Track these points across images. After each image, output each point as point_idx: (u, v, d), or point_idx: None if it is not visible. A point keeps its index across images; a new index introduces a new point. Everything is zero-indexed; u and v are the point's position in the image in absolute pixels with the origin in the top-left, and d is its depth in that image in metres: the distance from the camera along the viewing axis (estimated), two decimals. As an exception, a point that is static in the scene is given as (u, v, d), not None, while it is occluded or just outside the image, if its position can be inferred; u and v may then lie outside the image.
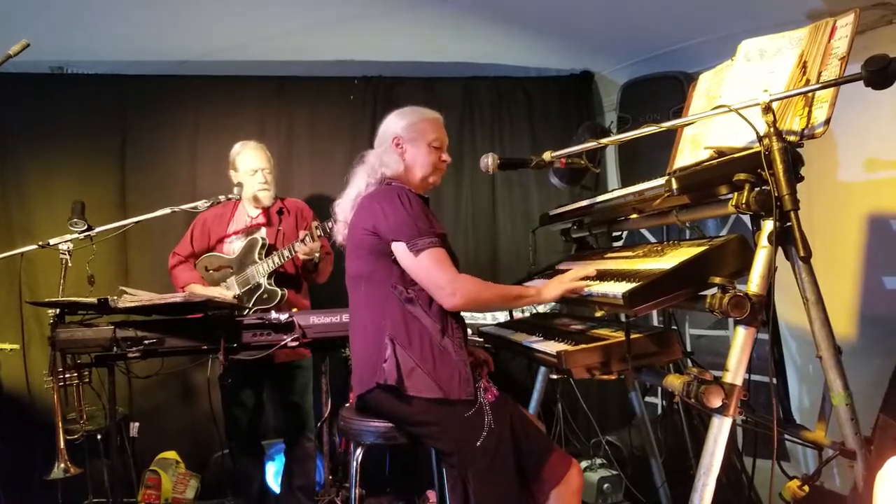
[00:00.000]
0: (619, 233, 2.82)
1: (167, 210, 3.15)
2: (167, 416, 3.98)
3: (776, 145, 1.81)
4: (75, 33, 3.60)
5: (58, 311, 2.67)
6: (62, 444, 2.74)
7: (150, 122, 4.10)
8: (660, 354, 2.01)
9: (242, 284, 3.26)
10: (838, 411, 1.87)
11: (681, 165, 2.34)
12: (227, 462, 3.57)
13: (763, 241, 1.84)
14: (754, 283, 1.82)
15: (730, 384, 1.80)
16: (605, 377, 1.98)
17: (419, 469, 3.54)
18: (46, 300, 2.77)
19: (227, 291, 3.22)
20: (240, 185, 3.27)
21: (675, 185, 1.90)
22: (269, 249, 3.30)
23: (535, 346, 2.23)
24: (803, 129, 1.93)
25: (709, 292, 1.88)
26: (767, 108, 1.83)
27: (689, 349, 3.75)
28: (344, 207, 2.37)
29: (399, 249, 2.12)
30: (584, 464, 3.42)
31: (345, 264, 2.31)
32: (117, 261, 3.97)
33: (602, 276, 2.21)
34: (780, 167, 1.80)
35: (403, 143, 2.33)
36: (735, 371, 1.82)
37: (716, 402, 1.79)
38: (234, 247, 3.36)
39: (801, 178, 1.89)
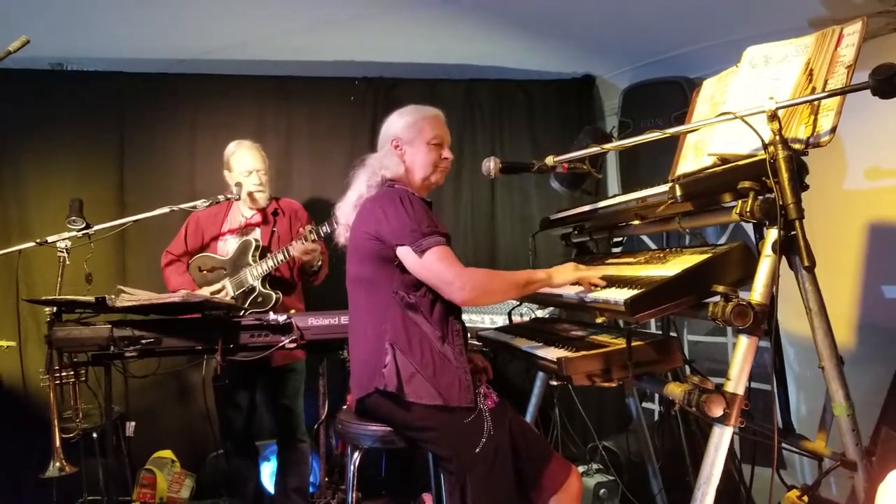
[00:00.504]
0: (620, 238, 2.80)
1: (166, 209, 3.12)
2: (163, 415, 3.96)
3: (781, 153, 1.80)
4: (75, 31, 3.59)
5: (55, 309, 2.65)
6: (58, 443, 2.72)
7: (149, 120, 4.08)
8: (660, 362, 2.00)
9: (237, 287, 3.23)
10: (839, 422, 1.86)
11: (683, 172, 2.33)
12: (222, 462, 3.56)
13: (767, 250, 1.83)
14: (758, 293, 1.81)
15: (731, 393, 1.79)
16: (606, 384, 1.96)
17: (415, 472, 3.53)
18: (44, 298, 2.74)
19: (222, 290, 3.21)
20: (239, 184, 3.24)
21: (679, 192, 1.89)
22: (264, 252, 3.27)
23: (536, 351, 2.22)
24: (809, 138, 1.92)
25: (711, 301, 1.87)
26: (773, 116, 1.82)
27: (687, 355, 3.76)
28: (345, 211, 2.35)
29: (404, 253, 2.09)
30: (580, 469, 3.41)
31: (345, 267, 2.30)
32: (114, 259, 3.95)
33: (604, 281, 2.18)
34: (785, 176, 1.79)
35: (402, 144, 2.32)
36: (737, 380, 1.81)
37: (717, 411, 1.78)
38: (228, 247, 3.33)
39: (807, 187, 1.88)
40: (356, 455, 2.24)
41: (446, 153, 2.35)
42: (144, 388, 3.61)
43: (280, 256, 3.17)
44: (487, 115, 4.43)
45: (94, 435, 3.28)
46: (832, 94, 1.82)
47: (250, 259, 3.24)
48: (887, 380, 2.85)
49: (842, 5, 2.90)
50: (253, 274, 3.21)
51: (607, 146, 2.22)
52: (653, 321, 3.90)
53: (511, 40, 3.86)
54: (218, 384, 3.15)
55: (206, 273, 3.30)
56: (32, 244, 2.95)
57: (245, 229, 3.35)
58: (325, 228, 3.13)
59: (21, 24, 3.31)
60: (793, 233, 1.79)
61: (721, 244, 2.03)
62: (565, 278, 2.18)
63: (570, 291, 2.22)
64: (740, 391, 1.80)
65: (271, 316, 2.75)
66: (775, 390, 2.01)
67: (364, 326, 2.19)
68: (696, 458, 2.99)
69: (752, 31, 2.88)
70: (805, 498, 1.95)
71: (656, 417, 3.89)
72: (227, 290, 3.22)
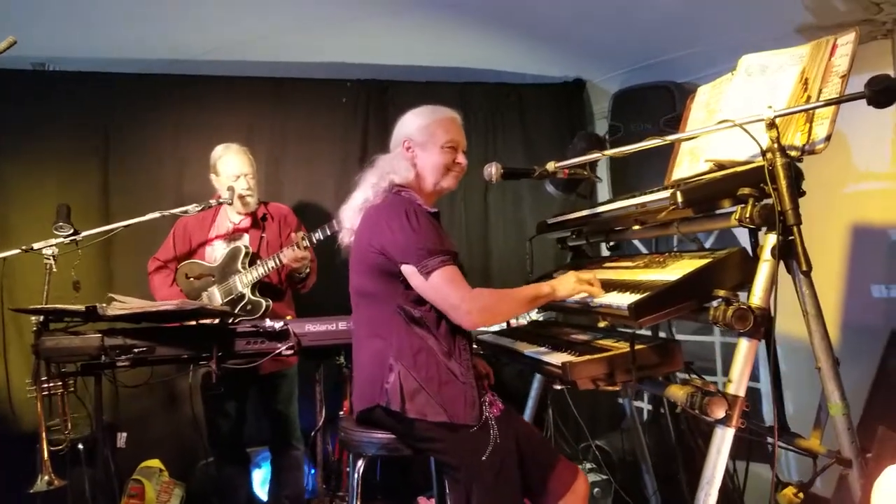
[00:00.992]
0: (615, 242, 2.84)
1: (157, 214, 3.05)
2: (150, 424, 3.89)
3: (780, 160, 1.85)
4: (59, 30, 3.52)
5: (42, 318, 2.58)
6: (46, 456, 2.65)
7: (136, 122, 4.01)
8: (662, 365, 2.03)
9: (225, 294, 3.19)
10: (835, 421, 1.91)
11: (680, 177, 2.37)
12: (212, 470, 3.52)
13: (766, 254, 1.87)
14: (757, 296, 1.85)
15: (733, 395, 1.83)
16: (610, 388, 1.99)
17: (410, 476, 3.53)
18: (32, 307, 2.68)
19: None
20: (231, 189, 3.19)
21: (680, 199, 1.92)
22: (253, 258, 3.22)
23: (538, 356, 2.23)
24: (804, 145, 1.96)
25: (712, 304, 1.91)
26: (772, 124, 1.86)
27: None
28: (349, 214, 2.28)
29: (409, 272, 2.04)
30: (574, 469, 3.44)
31: (348, 273, 2.25)
32: (100, 266, 3.87)
33: (604, 285, 2.20)
34: (783, 182, 1.84)
35: (414, 146, 2.25)
36: (738, 382, 1.85)
37: (719, 413, 1.81)
38: (216, 254, 3.29)
39: (803, 193, 1.92)
40: (360, 463, 2.23)
41: (460, 158, 2.29)
42: (131, 397, 3.54)
43: (271, 263, 3.13)
44: (481, 119, 4.45)
45: (80, 446, 3.21)
46: (829, 103, 1.87)
47: (240, 266, 3.19)
48: (870, 377, 2.92)
49: (827, 13, 2.97)
50: (242, 281, 3.17)
51: (608, 152, 2.25)
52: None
53: (504, 44, 3.88)
54: (213, 392, 3.12)
55: (193, 280, 3.25)
56: (18, 251, 2.89)
57: (233, 235, 3.31)
58: (317, 235, 3.11)
59: (1, 21, 3.26)
60: (791, 238, 1.84)
61: (719, 249, 2.07)
62: (569, 290, 2.16)
63: (573, 297, 2.23)
64: (741, 393, 1.84)
65: (267, 323, 2.71)
66: (771, 391, 2.06)
67: (369, 339, 2.16)
68: (687, 458, 3.05)
69: (739, 38, 2.95)
70: (801, 495, 2.00)
71: (646, 417, 3.93)
72: (215, 299, 3.18)
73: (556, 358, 2.10)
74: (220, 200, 3.20)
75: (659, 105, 3.58)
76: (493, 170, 2.40)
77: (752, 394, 3.36)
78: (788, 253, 1.87)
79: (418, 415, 2.01)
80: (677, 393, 1.93)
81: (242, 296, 3.18)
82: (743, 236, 2.18)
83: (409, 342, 2.07)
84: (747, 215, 1.88)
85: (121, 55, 3.84)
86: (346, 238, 2.31)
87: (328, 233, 3.09)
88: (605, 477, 3.41)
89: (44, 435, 2.65)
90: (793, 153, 1.94)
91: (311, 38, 3.73)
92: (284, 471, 3.32)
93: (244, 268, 3.19)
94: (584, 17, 3.40)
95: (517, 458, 2.05)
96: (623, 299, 1.98)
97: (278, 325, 2.71)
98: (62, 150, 3.92)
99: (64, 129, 3.92)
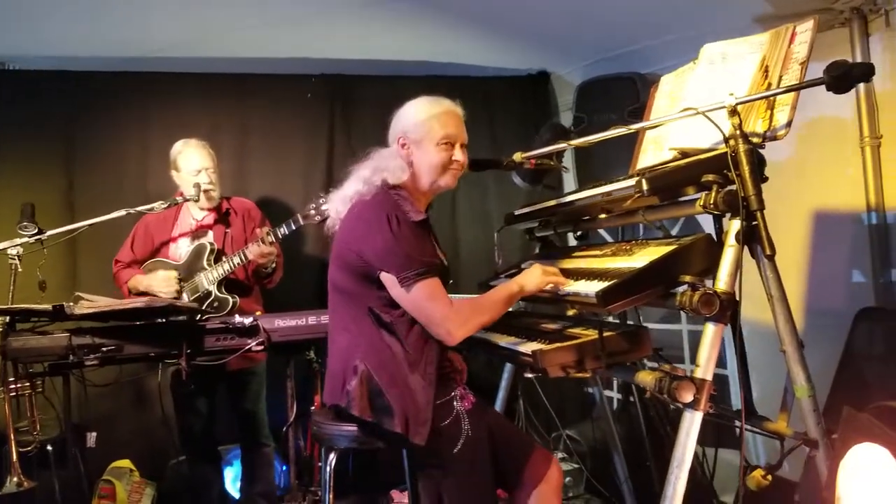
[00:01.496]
0: (583, 232, 2.86)
1: (122, 212, 3.02)
2: (119, 423, 3.84)
3: (742, 147, 1.88)
4: (18, 28, 3.45)
5: (7, 318, 2.54)
6: (15, 458, 2.62)
7: (99, 120, 3.95)
8: (631, 351, 2.05)
9: (192, 292, 3.16)
10: (801, 403, 1.95)
11: (645, 166, 2.40)
12: (184, 469, 3.48)
13: (730, 240, 1.90)
14: (722, 281, 1.88)
15: (701, 379, 1.85)
16: (580, 375, 2.00)
17: (383, 469, 3.52)
18: (-2, 308, 2.64)
19: (168, 287, 3.12)
20: (197, 185, 3.15)
21: (645, 187, 1.94)
22: (219, 255, 3.19)
23: (509, 345, 2.24)
24: (766, 132, 2.00)
25: (679, 290, 1.94)
26: (734, 111, 1.90)
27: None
28: (336, 203, 2.20)
29: (389, 281, 2.01)
30: (545, 458, 3.46)
31: (327, 264, 2.20)
32: (65, 265, 3.81)
33: (573, 274, 2.23)
34: (746, 168, 1.87)
35: (409, 143, 2.17)
36: (705, 366, 1.88)
37: (687, 396, 1.84)
38: (180, 251, 3.25)
39: (766, 179, 1.96)
40: (331, 456, 2.22)
41: (458, 154, 2.20)
42: (100, 397, 3.48)
43: (236, 260, 3.11)
44: (446, 112, 4.42)
45: (49, 447, 3.16)
46: (790, 90, 1.90)
47: (205, 263, 3.16)
48: (835, 360, 2.98)
49: (786, 3, 3.02)
50: (208, 278, 3.14)
51: (574, 142, 2.27)
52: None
53: (469, 38, 3.88)
54: (183, 390, 3.09)
55: None
56: (-20, 252, 2.84)
57: (197, 232, 3.27)
58: (282, 230, 3.09)
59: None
60: (754, 223, 1.88)
61: (685, 235, 2.10)
62: (536, 283, 2.16)
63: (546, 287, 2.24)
64: (709, 377, 1.87)
65: (237, 319, 2.70)
66: (738, 374, 2.09)
67: (339, 332, 2.14)
68: (656, 445, 3.09)
69: (701, 29, 2.98)
70: (769, 477, 2.04)
71: (615, 405, 3.98)
72: (182, 296, 3.15)
73: (526, 346, 2.11)
74: (186, 197, 3.16)
75: (623, 96, 3.60)
76: (462, 161, 2.39)
77: (721, 380, 3.41)
78: (752, 238, 1.90)
79: (376, 420, 2.00)
80: (646, 378, 1.95)
81: (209, 293, 3.14)
82: (707, 224, 2.21)
83: (376, 345, 2.04)
84: (711, 202, 1.91)
85: (81, 53, 3.77)
86: (334, 226, 2.24)
87: (293, 227, 3.09)
88: (576, 466, 3.45)
89: (12, 437, 2.62)
90: (755, 140, 1.98)
91: (273, 33, 3.69)
92: (255, 468, 3.31)
93: (209, 265, 3.16)
94: (548, 9, 3.41)
95: (490, 450, 2.05)
96: (591, 287, 1.99)
97: (248, 321, 2.70)
98: (25, 149, 3.86)
99: (26, 129, 3.85)
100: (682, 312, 1.91)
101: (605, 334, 1.98)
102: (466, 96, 4.33)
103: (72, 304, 2.52)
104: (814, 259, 3.20)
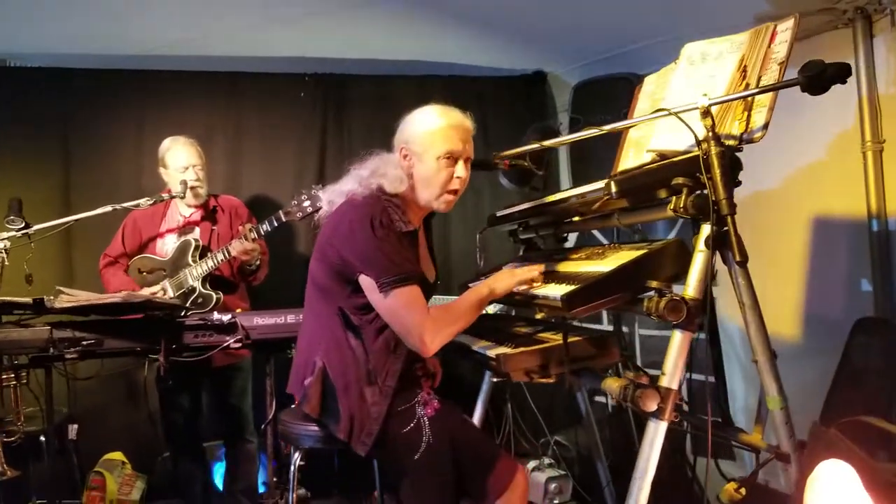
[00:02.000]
0: (566, 234, 2.81)
1: (108, 208, 3.05)
2: (112, 416, 3.88)
3: (714, 150, 1.82)
4: (17, 25, 3.48)
5: (-8, 311, 2.58)
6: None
7: (95, 117, 3.98)
8: (598, 357, 2.02)
9: (177, 288, 3.17)
10: (773, 415, 1.89)
11: (624, 168, 2.34)
12: (170, 464, 3.51)
13: (700, 245, 1.85)
14: (691, 287, 1.83)
15: (665, 388, 1.81)
16: (544, 380, 1.97)
17: (368, 469, 3.50)
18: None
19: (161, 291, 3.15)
20: (184, 182, 3.17)
21: (613, 189, 1.90)
22: (204, 251, 3.21)
23: (480, 349, 2.21)
24: (742, 134, 1.94)
25: (646, 296, 1.88)
26: (706, 112, 1.83)
27: (638, 350, 3.79)
28: (331, 196, 2.14)
29: (368, 285, 1.96)
30: (532, 464, 3.41)
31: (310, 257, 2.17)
32: (60, 260, 3.86)
33: (547, 277, 2.19)
34: (717, 171, 1.81)
35: (411, 154, 2.09)
36: (671, 375, 1.83)
37: (651, 405, 1.80)
38: (167, 247, 3.27)
39: (739, 183, 1.90)
40: (296, 455, 2.22)
41: (460, 170, 2.11)
42: (93, 390, 3.52)
43: (220, 256, 3.12)
44: (441, 113, 4.39)
45: (42, 438, 3.21)
46: (763, 91, 1.84)
47: (190, 259, 3.18)
48: (832, 370, 2.90)
49: (786, 3, 2.93)
50: (193, 274, 3.15)
51: (546, 143, 2.23)
52: (605, 316, 3.94)
53: (464, 37, 3.84)
54: (162, 386, 3.10)
55: (145, 274, 3.24)
56: (-36, 246, 2.88)
57: (184, 228, 3.30)
58: (265, 227, 3.10)
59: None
60: (725, 228, 1.81)
61: (657, 240, 2.04)
62: (506, 286, 2.09)
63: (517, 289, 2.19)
64: (674, 385, 1.82)
65: (215, 316, 2.70)
66: (715, 382, 2.04)
67: (309, 327, 2.14)
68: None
69: (700, 28, 2.90)
70: (742, 490, 1.98)
71: (609, 410, 3.91)
72: (167, 292, 3.17)
73: (493, 350, 2.08)
74: (173, 194, 3.18)
75: (620, 97, 3.51)
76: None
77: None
78: (724, 243, 1.84)
79: (324, 421, 2.00)
80: (612, 386, 1.92)
81: (193, 289, 3.16)
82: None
83: (340, 345, 2.01)
84: (681, 205, 1.86)
85: (78, 51, 3.80)
86: (325, 217, 2.18)
87: (275, 224, 3.10)
88: (563, 472, 3.39)
89: (-4, 426, 2.66)
90: (731, 142, 1.92)
91: (269, 33, 3.70)
92: (238, 464, 3.33)
93: (194, 261, 3.18)
94: (545, 9, 3.36)
95: (453, 458, 2.01)
96: (558, 290, 1.95)
97: (226, 317, 2.70)
98: (22, 146, 3.90)
99: (24, 125, 3.89)
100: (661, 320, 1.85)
101: (571, 340, 1.95)
102: (461, 96, 4.35)
103: (52, 297, 2.54)
104: (814, 266, 3.12)
